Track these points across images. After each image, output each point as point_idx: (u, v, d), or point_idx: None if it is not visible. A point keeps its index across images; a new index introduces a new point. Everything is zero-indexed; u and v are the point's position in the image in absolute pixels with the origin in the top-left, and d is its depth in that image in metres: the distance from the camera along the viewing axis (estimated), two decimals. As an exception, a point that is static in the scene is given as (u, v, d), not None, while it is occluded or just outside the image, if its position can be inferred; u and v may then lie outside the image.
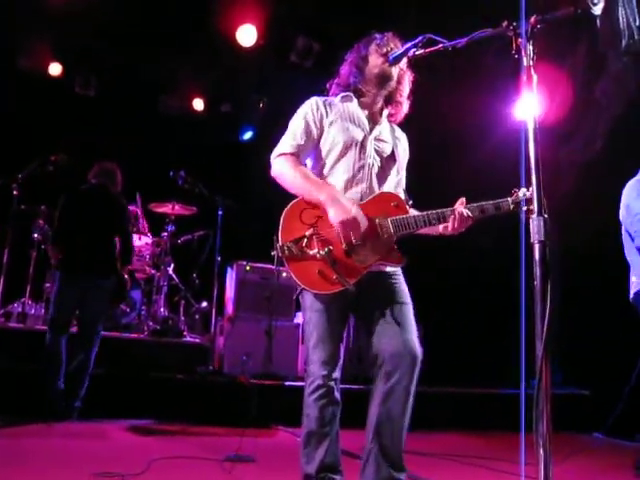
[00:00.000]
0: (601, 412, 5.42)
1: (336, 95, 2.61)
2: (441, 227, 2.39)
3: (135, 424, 4.36)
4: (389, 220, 2.36)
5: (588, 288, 5.49)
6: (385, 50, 2.52)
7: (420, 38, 2.38)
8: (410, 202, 2.52)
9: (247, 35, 6.44)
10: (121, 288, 4.87)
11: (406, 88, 2.62)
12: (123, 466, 2.96)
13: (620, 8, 4.72)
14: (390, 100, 2.61)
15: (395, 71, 2.54)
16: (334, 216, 2.26)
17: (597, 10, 4.99)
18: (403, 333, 2.34)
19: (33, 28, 6.57)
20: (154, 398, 4.68)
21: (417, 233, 2.44)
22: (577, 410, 5.33)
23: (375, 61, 2.54)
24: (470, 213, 2.33)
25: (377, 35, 2.60)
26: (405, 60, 2.54)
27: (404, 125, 2.74)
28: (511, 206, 2.30)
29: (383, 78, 2.53)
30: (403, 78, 2.60)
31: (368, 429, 2.36)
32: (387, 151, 2.56)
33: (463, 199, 2.37)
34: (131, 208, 6.49)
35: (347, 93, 2.58)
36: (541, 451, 1.52)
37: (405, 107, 2.65)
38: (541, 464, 1.51)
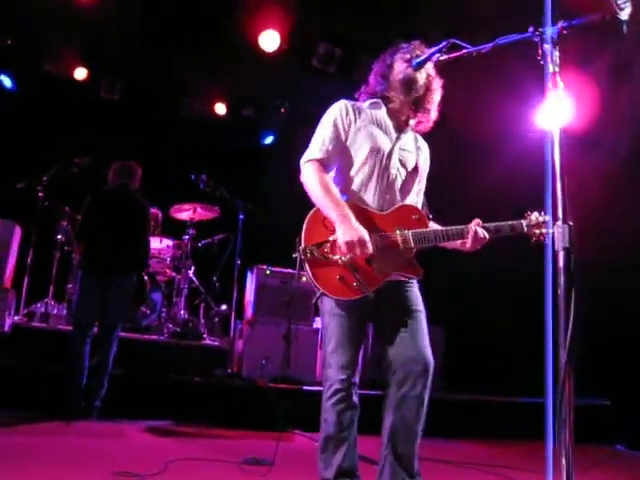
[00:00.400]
0: (623, 423, 5.34)
1: (364, 102, 2.62)
2: (459, 243, 2.45)
3: (153, 425, 4.38)
4: (410, 232, 2.38)
5: (609, 296, 5.40)
6: (409, 56, 2.52)
7: (444, 43, 2.37)
8: (430, 216, 2.53)
9: (270, 40, 6.47)
10: (141, 289, 4.90)
11: (436, 95, 2.59)
12: (141, 466, 2.98)
13: (648, 13, 4.65)
14: (418, 107, 2.58)
15: (422, 77, 2.52)
16: (341, 236, 2.26)
17: (624, 15, 4.93)
18: (415, 341, 2.36)
19: (60, 32, 6.68)
20: (172, 400, 4.70)
21: (437, 246, 2.47)
22: (598, 421, 5.23)
23: (399, 67, 2.54)
24: (486, 233, 2.40)
25: (404, 45, 2.60)
26: (432, 67, 2.54)
27: (428, 133, 2.73)
28: (525, 229, 2.40)
29: (408, 83, 2.51)
30: (432, 85, 2.57)
31: (383, 436, 2.37)
32: (410, 161, 2.56)
33: (479, 220, 2.43)
34: (153, 211, 6.57)
35: (376, 100, 2.58)
36: (563, 461, 1.50)
37: (433, 115, 2.62)
38: (564, 474, 1.49)
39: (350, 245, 2.24)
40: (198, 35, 6.39)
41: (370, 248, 2.27)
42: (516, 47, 2.25)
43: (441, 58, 2.39)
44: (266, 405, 4.75)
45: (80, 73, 7.34)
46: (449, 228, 2.41)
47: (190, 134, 7.64)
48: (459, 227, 2.41)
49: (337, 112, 2.51)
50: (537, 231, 2.37)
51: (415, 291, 2.49)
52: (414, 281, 2.50)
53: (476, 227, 2.39)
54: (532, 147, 5.26)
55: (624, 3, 4.80)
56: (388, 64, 2.58)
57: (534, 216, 2.38)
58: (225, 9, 6.04)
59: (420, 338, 2.37)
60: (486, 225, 2.42)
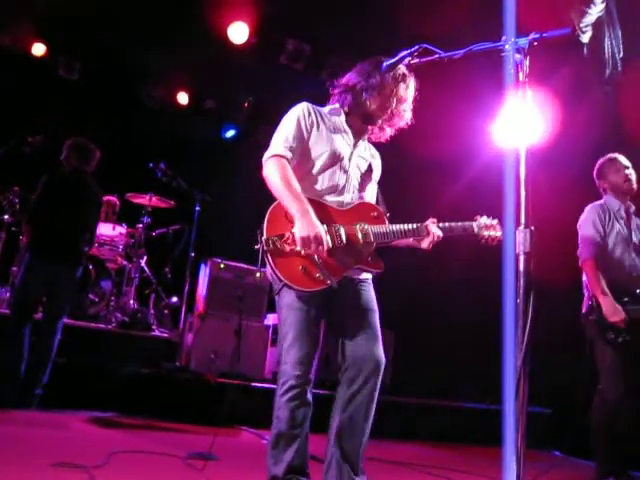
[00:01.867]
0: (560, 430, 5.52)
1: (333, 103, 2.66)
2: (412, 240, 2.54)
3: (97, 416, 4.27)
4: (370, 227, 2.43)
5: (551, 304, 5.56)
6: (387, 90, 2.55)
7: (416, 47, 2.39)
8: (388, 214, 2.57)
9: (239, 32, 6.39)
10: (86, 276, 4.78)
11: (397, 119, 2.64)
12: (83, 457, 2.89)
13: (607, 39, 4.83)
14: (377, 124, 2.66)
15: (393, 102, 2.58)
16: (297, 231, 2.27)
17: (585, 38, 5.09)
18: (368, 340, 2.39)
19: (17, 6, 6.43)
20: (118, 391, 4.59)
21: (392, 245, 2.55)
22: (538, 428, 5.39)
23: (372, 100, 2.54)
24: (440, 232, 2.49)
25: (384, 59, 2.58)
26: (405, 88, 2.57)
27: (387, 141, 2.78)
28: (476, 229, 2.56)
29: (369, 118, 2.60)
30: (400, 107, 2.61)
31: (330, 433, 2.39)
32: (364, 168, 2.63)
33: (434, 219, 2.54)
34: (111, 198, 6.41)
35: (337, 107, 2.64)
36: (514, 465, 1.53)
37: (389, 133, 2.70)
38: (513, 477, 1.52)
39: (306, 241, 2.25)
40: (165, 21, 6.26)
41: (325, 247, 2.28)
42: (482, 57, 2.30)
43: (412, 62, 2.42)
44: (213, 400, 4.69)
45: (38, 49, 7.08)
46: (406, 226, 2.49)
47: (150, 121, 7.49)
48: (415, 225, 2.49)
49: (300, 112, 2.54)
50: (486, 233, 2.49)
51: (370, 291, 2.52)
52: (369, 281, 2.54)
53: (431, 225, 2.49)
54: (493, 158, 5.38)
55: (586, 27, 4.96)
56: (368, 86, 2.56)
57: (483, 219, 2.52)
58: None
59: (372, 337, 2.40)
60: (440, 225, 2.52)
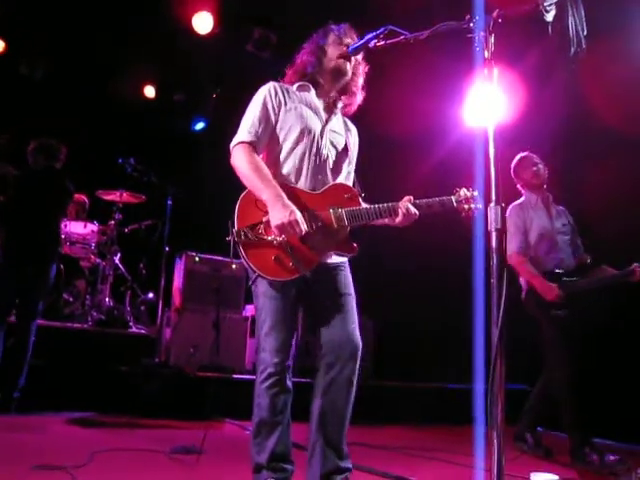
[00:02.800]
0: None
1: (292, 83, 2.60)
2: (387, 220, 2.47)
3: (77, 417, 4.22)
4: (343, 210, 2.39)
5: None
6: (344, 42, 2.53)
7: (381, 29, 2.39)
8: (362, 195, 2.54)
9: (203, 22, 6.32)
10: (59, 276, 4.70)
11: (360, 79, 2.65)
12: (64, 459, 2.85)
13: (570, 17, 4.87)
14: (344, 91, 2.63)
15: (350, 65, 2.57)
16: (272, 217, 2.25)
17: (549, 17, 5.15)
18: (344, 324, 2.37)
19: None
20: (97, 390, 4.54)
21: (369, 225, 2.49)
22: (519, 405, 5.46)
23: (333, 53, 2.55)
24: (416, 210, 2.43)
25: (333, 26, 2.61)
26: (362, 51, 2.56)
27: (356, 119, 2.76)
28: (455, 204, 2.46)
29: (338, 72, 2.56)
30: (357, 69, 2.63)
31: (312, 419, 2.37)
32: (341, 143, 2.58)
33: (410, 197, 2.47)
34: (80, 196, 6.31)
35: (304, 82, 2.58)
36: (495, 441, 1.54)
37: (359, 98, 2.67)
38: (495, 452, 1.53)
39: (281, 227, 2.22)
40: (128, 14, 6.15)
41: (303, 228, 2.26)
42: (451, 37, 2.30)
43: (378, 44, 2.41)
44: (195, 394, 4.67)
45: (-3, 46, 6.90)
46: (380, 205, 2.43)
47: (117, 116, 7.36)
48: (390, 204, 2.43)
49: (266, 93, 2.48)
50: (466, 206, 2.45)
51: (346, 275, 2.50)
52: (345, 265, 2.52)
53: (406, 204, 2.43)
54: (463, 136, 5.42)
55: (549, 6, 5.00)
56: (320, 46, 2.58)
57: (462, 192, 2.45)
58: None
59: (349, 322, 2.38)
60: (417, 202, 2.46)
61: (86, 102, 7.27)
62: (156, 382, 4.66)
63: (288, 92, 2.53)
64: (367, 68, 2.67)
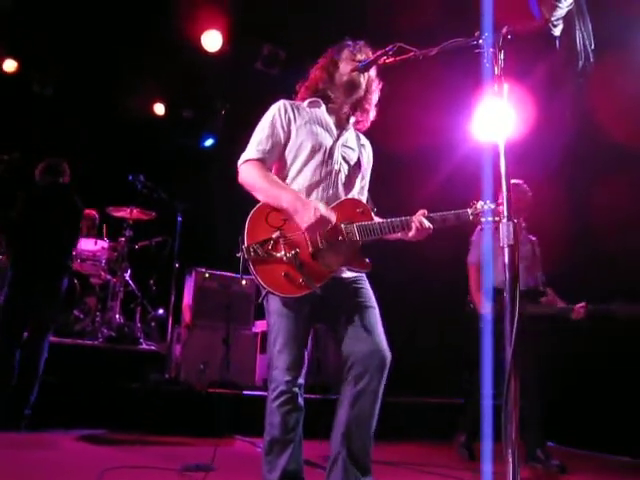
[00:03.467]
0: (553, 421, 5.53)
1: (304, 99, 2.61)
2: (400, 234, 2.44)
3: (88, 434, 4.20)
4: (355, 226, 2.37)
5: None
6: (357, 58, 2.54)
7: (390, 46, 2.41)
8: (375, 209, 2.54)
9: (212, 41, 6.39)
10: (71, 292, 4.70)
11: (374, 96, 2.65)
12: (75, 476, 2.86)
13: (578, 31, 4.89)
14: (357, 107, 2.62)
15: (364, 79, 2.57)
16: (300, 221, 2.25)
17: (557, 31, 5.14)
18: (372, 336, 2.35)
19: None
20: (107, 407, 4.53)
21: (382, 239, 2.47)
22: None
23: (345, 68, 2.56)
24: (430, 224, 2.39)
25: (349, 42, 2.63)
26: (374, 68, 2.57)
27: (370, 135, 2.76)
28: (470, 217, 2.39)
29: (351, 86, 2.55)
30: (371, 86, 2.62)
31: (336, 433, 2.32)
32: (353, 158, 2.58)
33: (424, 211, 2.43)
34: (90, 212, 6.35)
35: (315, 99, 2.59)
36: (510, 456, 1.53)
37: (372, 115, 2.67)
38: (510, 469, 1.52)
39: (312, 228, 2.24)
40: (138, 32, 6.23)
41: (333, 219, 2.27)
42: (459, 55, 2.31)
43: (387, 61, 2.42)
44: (205, 410, 4.65)
45: (9, 65, 7.00)
46: (393, 220, 2.40)
47: (127, 134, 7.43)
48: (404, 218, 2.40)
49: (276, 111, 2.50)
50: (483, 219, 2.39)
51: (367, 287, 2.48)
52: (364, 278, 2.49)
53: (420, 218, 2.39)
54: (472, 151, 5.42)
55: (557, 20, 5.01)
56: (334, 62, 2.59)
57: (479, 204, 2.37)
58: (167, 6, 5.92)
59: (377, 333, 2.36)
60: (431, 215, 2.41)
61: (96, 119, 7.36)
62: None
63: (298, 109, 2.53)
64: (381, 85, 2.66)
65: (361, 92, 2.58)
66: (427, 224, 2.39)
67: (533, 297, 4.38)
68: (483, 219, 2.37)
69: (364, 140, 2.71)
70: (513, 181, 4.37)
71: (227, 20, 6.36)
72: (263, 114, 2.56)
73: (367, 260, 2.41)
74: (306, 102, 2.58)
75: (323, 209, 2.27)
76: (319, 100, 2.58)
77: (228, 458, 3.73)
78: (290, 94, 2.70)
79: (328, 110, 2.58)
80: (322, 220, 2.25)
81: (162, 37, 6.25)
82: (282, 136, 2.47)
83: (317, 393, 5.20)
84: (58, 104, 7.26)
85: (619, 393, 5.09)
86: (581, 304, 4.26)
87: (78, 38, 6.48)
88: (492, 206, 2.36)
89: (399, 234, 2.45)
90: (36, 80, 7.20)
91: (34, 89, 7.20)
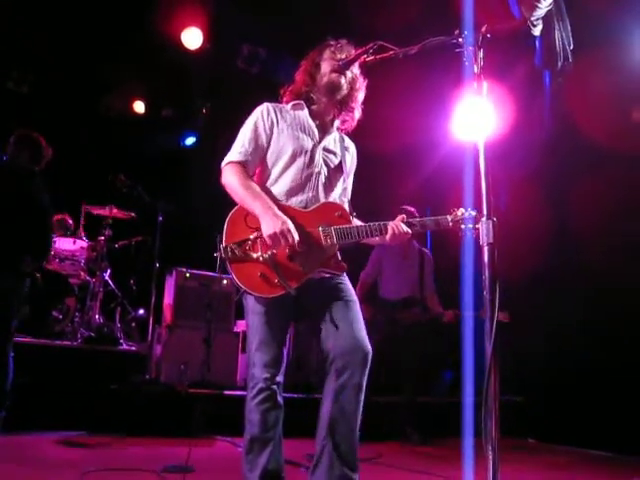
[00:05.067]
0: (535, 418, 5.60)
1: (288, 102, 2.61)
2: (378, 238, 2.48)
3: (66, 436, 4.14)
4: (332, 229, 2.39)
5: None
6: (336, 57, 2.54)
7: (371, 45, 2.41)
8: (354, 213, 2.55)
9: (193, 38, 6.35)
10: (33, 288, 4.39)
11: (360, 95, 2.64)
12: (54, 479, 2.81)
13: (557, 31, 4.94)
14: (342, 107, 2.62)
15: (345, 79, 2.56)
16: (265, 229, 2.27)
17: (536, 31, 5.20)
18: (353, 330, 2.36)
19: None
20: (86, 409, 4.47)
21: (360, 243, 2.51)
22: (512, 416, 5.45)
23: (325, 68, 2.56)
24: (408, 229, 2.44)
25: (332, 42, 2.62)
26: (358, 67, 2.57)
27: (350, 134, 2.76)
28: (450, 223, 2.45)
29: (332, 87, 2.56)
30: (356, 84, 2.61)
31: (321, 427, 2.32)
32: (335, 161, 2.58)
33: (403, 216, 2.49)
34: (61, 217, 6.23)
35: (298, 101, 2.59)
36: (490, 453, 1.53)
37: (357, 114, 2.67)
38: (490, 464, 1.52)
39: (274, 237, 2.24)
40: (118, 28, 6.16)
41: (296, 236, 2.26)
42: (439, 53, 2.32)
43: (368, 59, 2.42)
44: (185, 411, 4.62)
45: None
46: (371, 224, 2.44)
47: (107, 132, 7.35)
48: (381, 223, 2.44)
49: (259, 114, 2.51)
50: (463, 226, 2.43)
51: (347, 283, 2.50)
52: (344, 275, 2.50)
53: (397, 223, 2.44)
54: (453, 150, 5.45)
55: (537, 20, 5.06)
56: (315, 63, 2.59)
57: (460, 212, 2.43)
58: (148, 3, 5.86)
59: (357, 328, 2.37)
60: (410, 220, 2.47)
61: (75, 117, 7.26)
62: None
63: (281, 112, 2.55)
64: (366, 83, 2.66)
65: (344, 92, 2.58)
66: (405, 229, 2.44)
67: (406, 305, 5.18)
68: (463, 226, 2.42)
69: (348, 142, 2.72)
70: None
71: (208, 17, 6.32)
72: (244, 112, 2.58)
73: (343, 264, 2.44)
74: (289, 105, 2.59)
75: (290, 225, 2.28)
76: (302, 103, 2.59)
77: (208, 458, 3.72)
78: (272, 93, 2.70)
79: (312, 113, 2.58)
80: (285, 233, 2.24)
81: (142, 34, 6.19)
82: (265, 139, 2.49)
83: (299, 392, 5.20)
84: (36, 100, 7.14)
85: (601, 389, 5.16)
86: (450, 311, 5.01)
87: (57, 35, 6.40)
88: (473, 213, 2.39)
89: (376, 238, 2.49)
90: (12, 78, 7.07)
91: (9, 86, 7.07)
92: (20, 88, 7.12)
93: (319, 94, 2.57)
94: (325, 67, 2.56)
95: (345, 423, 2.29)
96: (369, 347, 2.35)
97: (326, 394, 2.34)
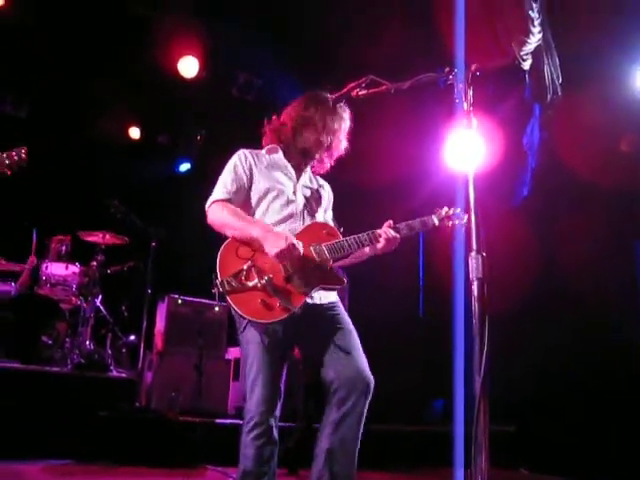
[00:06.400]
0: (526, 448, 5.57)
1: (268, 143, 2.69)
2: (367, 249, 2.56)
3: (54, 464, 4.08)
4: (323, 245, 2.44)
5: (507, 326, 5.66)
6: (327, 129, 2.60)
7: (363, 79, 2.47)
8: (341, 229, 2.60)
9: (189, 66, 6.44)
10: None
11: (334, 152, 2.71)
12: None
13: (546, 66, 5.06)
14: (318, 158, 2.70)
15: (321, 150, 2.64)
16: (269, 248, 2.29)
17: (526, 65, 5.31)
18: (355, 359, 2.37)
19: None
20: (74, 436, 4.41)
21: (355, 261, 2.58)
22: (503, 446, 5.42)
23: (308, 136, 2.61)
24: (396, 233, 2.50)
25: (321, 96, 2.64)
26: (344, 118, 2.64)
27: (341, 165, 2.82)
28: (436, 222, 2.55)
29: (306, 154, 2.65)
30: (336, 133, 2.66)
31: (318, 456, 2.32)
32: (314, 195, 2.66)
33: (391, 221, 2.55)
34: (61, 238, 6.25)
35: (273, 145, 2.67)
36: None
37: (328, 165, 2.76)
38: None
39: (281, 254, 2.27)
40: (114, 57, 6.25)
41: (301, 249, 2.30)
42: (430, 88, 2.37)
43: (360, 93, 2.48)
44: (176, 439, 4.57)
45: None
46: (360, 235, 2.49)
47: (102, 157, 7.39)
48: (370, 232, 2.51)
49: (237, 159, 2.59)
50: (449, 223, 2.49)
51: (343, 313, 2.52)
52: (339, 304, 2.53)
53: (387, 229, 2.50)
54: (443, 184, 5.50)
55: (526, 55, 5.18)
56: (304, 119, 2.62)
57: (444, 210, 2.52)
58: (145, 32, 5.95)
59: (358, 356, 2.39)
60: (397, 225, 2.52)
61: (71, 142, 7.30)
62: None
63: (257, 156, 2.63)
64: (350, 119, 2.70)
65: (318, 154, 2.66)
66: (393, 234, 2.49)
67: None
68: (449, 223, 2.49)
69: (321, 181, 2.79)
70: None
71: (204, 46, 6.41)
72: (238, 140, 2.65)
73: (341, 277, 2.46)
74: (264, 150, 2.67)
75: (292, 237, 2.33)
76: (277, 147, 2.67)
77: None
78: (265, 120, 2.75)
79: (286, 155, 2.65)
80: (291, 247, 2.28)
81: (139, 62, 6.27)
82: (245, 180, 2.54)
83: (286, 420, 5.14)
84: (31, 125, 7.18)
85: (592, 418, 5.16)
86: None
87: (55, 59, 6.47)
88: (458, 210, 2.46)
89: (367, 249, 2.55)
90: (9, 101, 7.12)
91: (7, 110, 7.11)
92: (18, 112, 7.16)
93: (294, 151, 2.65)
94: (308, 134, 2.61)
95: (344, 453, 2.29)
96: (371, 377, 2.37)
97: (326, 423, 2.35)
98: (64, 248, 6.20)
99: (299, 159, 2.65)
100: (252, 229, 2.35)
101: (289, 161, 2.64)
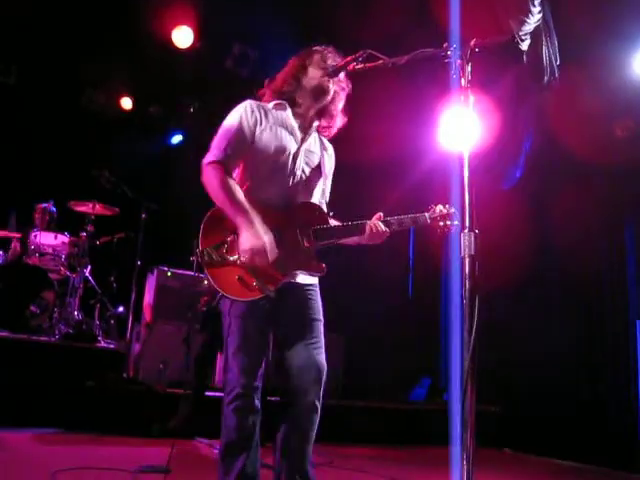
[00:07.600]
0: (510, 428, 5.65)
1: (269, 101, 2.58)
2: (356, 238, 2.48)
3: (40, 433, 4.10)
4: (310, 230, 2.39)
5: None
6: (325, 63, 2.54)
7: (360, 53, 2.42)
8: (331, 213, 2.55)
9: (183, 37, 6.32)
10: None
11: (341, 103, 2.64)
12: (25, 478, 2.78)
13: (544, 47, 5.00)
14: (323, 113, 2.62)
15: (332, 85, 2.56)
16: (243, 242, 2.24)
17: (524, 46, 5.25)
18: (310, 348, 2.36)
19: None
20: (61, 406, 4.42)
21: (338, 243, 2.50)
22: (487, 426, 5.49)
23: (314, 73, 2.54)
24: (385, 227, 2.44)
25: (318, 47, 2.62)
26: (342, 74, 2.58)
27: (335, 144, 2.77)
28: (428, 220, 2.46)
29: (320, 91, 2.54)
30: (338, 93, 2.62)
31: (277, 445, 2.35)
32: (315, 162, 2.58)
33: (381, 214, 2.48)
34: (45, 205, 6.20)
35: (281, 101, 2.56)
36: (465, 463, 1.55)
37: (338, 121, 2.67)
38: (464, 476, 1.54)
39: (249, 253, 2.23)
40: (107, 24, 6.13)
41: (271, 257, 2.24)
42: (425, 66, 2.34)
43: (357, 67, 2.43)
44: (163, 411, 4.59)
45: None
46: (348, 224, 2.45)
47: (93, 127, 7.29)
48: (359, 222, 2.44)
49: (242, 111, 2.46)
50: (442, 223, 2.44)
51: (317, 300, 2.49)
52: (316, 287, 2.50)
53: (376, 222, 2.44)
54: (439, 160, 5.49)
55: (525, 35, 5.11)
56: (303, 66, 2.57)
57: (438, 208, 2.44)
58: (139, 0, 5.84)
59: (315, 345, 2.37)
60: (388, 219, 2.46)
61: (61, 111, 7.19)
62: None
63: (265, 111, 2.50)
64: (350, 90, 2.66)
65: (329, 98, 2.58)
66: (382, 228, 2.44)
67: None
68: (441, 223, 2.44)
69: (327, 144, 2.70)
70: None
71: (199, 17, 6.30)
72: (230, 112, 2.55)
73: (321, 264, 2.40)
74: (272, 104, 2.55)
75: (269, 242, 2.26)
76: (285, 103, 2.56)
77: (185, 460, 3.70)
78: (256, 92, 2.69)
79: (294, 114, 2.55)
80: (261, 253, 2.23)
81: (133, 31, 6.15)
82: (248, 136, 2.43)
83: (278, 395, 5.17)
84: (22, 94, 7.06)
85: (575, 401, 5.23)
86: None
87: (45, 27, 6.34)
88: (451, 210, 2.41)
89: (356, 238, 2.48)
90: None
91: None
92: (7, 79, 7.03)
93: (304, 97, 2.54)
94: (314, 71, 2.54)
95: (299, 439, 2.32)
96: (324, 366, 2.36)
97: (282, 413, 2.38)
98: (47, 217, 6.16)
99: (310, 107, 2.55)
100: (236, 216, 2.27)
101: (296, 120, 2.54)
